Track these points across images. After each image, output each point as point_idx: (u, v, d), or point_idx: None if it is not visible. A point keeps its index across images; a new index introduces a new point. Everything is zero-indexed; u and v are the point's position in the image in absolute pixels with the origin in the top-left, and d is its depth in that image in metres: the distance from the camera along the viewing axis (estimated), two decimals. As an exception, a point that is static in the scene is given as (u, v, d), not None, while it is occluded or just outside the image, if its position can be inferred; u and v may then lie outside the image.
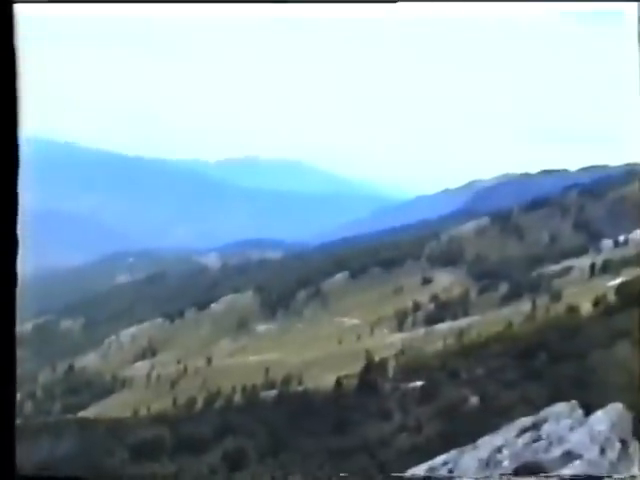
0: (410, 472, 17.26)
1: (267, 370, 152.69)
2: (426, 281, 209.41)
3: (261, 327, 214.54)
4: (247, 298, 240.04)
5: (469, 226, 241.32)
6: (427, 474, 16.00)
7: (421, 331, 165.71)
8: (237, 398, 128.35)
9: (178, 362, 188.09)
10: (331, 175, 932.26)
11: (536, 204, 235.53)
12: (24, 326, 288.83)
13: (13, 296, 8.36)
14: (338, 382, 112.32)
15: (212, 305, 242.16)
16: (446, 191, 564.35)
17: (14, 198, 8.14)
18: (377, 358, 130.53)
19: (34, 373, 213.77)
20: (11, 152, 7.96)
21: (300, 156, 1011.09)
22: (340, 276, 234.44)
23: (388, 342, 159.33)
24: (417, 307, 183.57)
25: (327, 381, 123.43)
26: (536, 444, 13.59)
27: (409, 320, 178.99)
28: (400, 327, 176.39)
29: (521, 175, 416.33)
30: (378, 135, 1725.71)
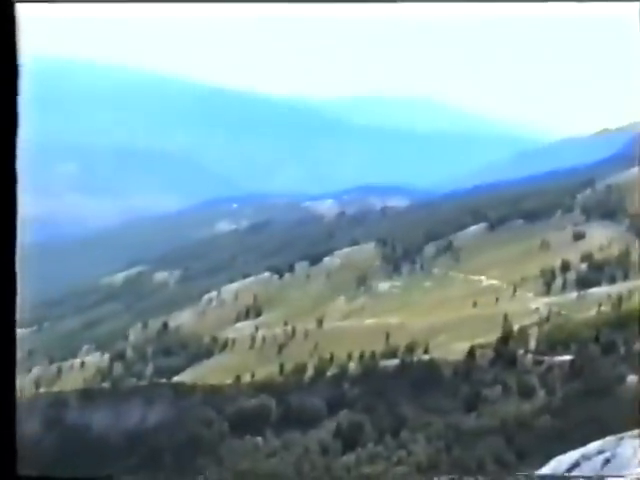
0: (555, 461, 16.92)
1: (388, 335, 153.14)
2: (578, 236, 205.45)
3: (382, 285, 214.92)
4: (367, 252, 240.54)
5: (632, 173, 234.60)
6: (578, 463, 15.62)
7: (571, 296, 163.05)
8: (353, 366, 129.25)
9: (286, 323, 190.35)
10: (465, 112, 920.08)
11: None
12: (114, 278, 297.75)
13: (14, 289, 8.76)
14: (470, 352, 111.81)
15: (326, 259, 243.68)
16: (604, 132, 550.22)
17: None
18: (517, 326, 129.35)
19: (124, 331, 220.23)
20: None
21: (429, 91, 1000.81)
22: (475, 228, 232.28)
23: (531, 307, 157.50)
24: (567, 267, 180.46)
25: (457, 350, 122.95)
26: None
27: (557, 282, 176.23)
28: (546, 290, 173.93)
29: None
30: (520, 66, 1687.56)
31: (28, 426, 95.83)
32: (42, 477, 15.71)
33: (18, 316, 9.18)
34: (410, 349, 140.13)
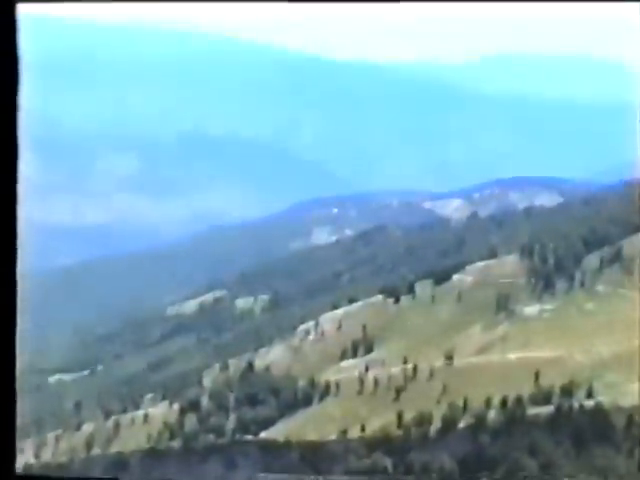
0: None
1: (538, 373, 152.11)
2: None
3: (529, 309, 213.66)
4: (508, 264, 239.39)
5: None
6: None
7: None
8: (493, 415, 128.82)
9: (405, 360, 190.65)
10: (631, 75, 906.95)
11: None
12: (185, 305, 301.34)
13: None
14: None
15: (455, 276, 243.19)
16: None
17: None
18: None
19: (199, 372, 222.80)
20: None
21: (588, 49, 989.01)
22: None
23: None
24: None
25: (631, 393, 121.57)
26: None
27: None
28: None
29: None
30: None
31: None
32: (42, 477, 16.69)
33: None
34: (568, 391, 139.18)
